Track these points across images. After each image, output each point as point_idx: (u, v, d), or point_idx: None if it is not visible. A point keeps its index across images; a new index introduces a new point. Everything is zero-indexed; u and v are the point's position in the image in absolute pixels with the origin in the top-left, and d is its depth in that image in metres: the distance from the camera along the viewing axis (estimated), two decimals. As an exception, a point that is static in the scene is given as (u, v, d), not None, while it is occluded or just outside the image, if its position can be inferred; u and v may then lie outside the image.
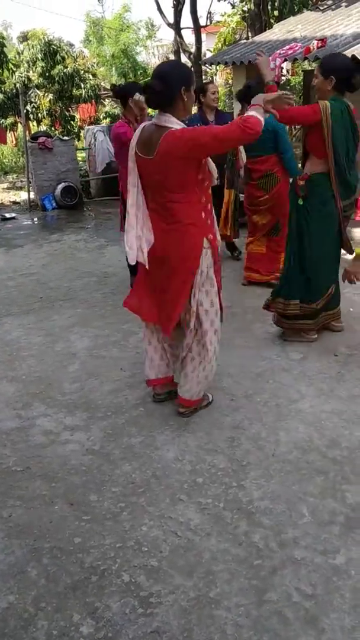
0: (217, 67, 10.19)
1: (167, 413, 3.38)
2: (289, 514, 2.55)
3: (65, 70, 13.00)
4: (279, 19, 11.70)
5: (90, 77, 14.94)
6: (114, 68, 21.25)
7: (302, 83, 9.77)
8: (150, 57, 28.24)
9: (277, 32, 9.31)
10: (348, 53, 6.11)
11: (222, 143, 2.78)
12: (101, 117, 16.10)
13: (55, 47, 13.45)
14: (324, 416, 3.26)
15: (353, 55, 5.46)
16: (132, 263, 3.12)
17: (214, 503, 2.64)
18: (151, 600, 2.17)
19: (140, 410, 3.43)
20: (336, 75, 3.70)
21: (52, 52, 13.20)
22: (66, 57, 13.81)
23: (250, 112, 2.79)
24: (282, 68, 7.24)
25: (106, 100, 16.65)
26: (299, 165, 4.22)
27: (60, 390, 3.71)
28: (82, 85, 13.69)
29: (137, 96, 3.39)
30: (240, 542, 2.42)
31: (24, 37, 23.50)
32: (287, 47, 7.15)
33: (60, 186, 9.84)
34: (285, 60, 7.01)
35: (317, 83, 3.80)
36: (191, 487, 2.75)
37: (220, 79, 18.41)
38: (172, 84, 2.76)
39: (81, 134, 13.27)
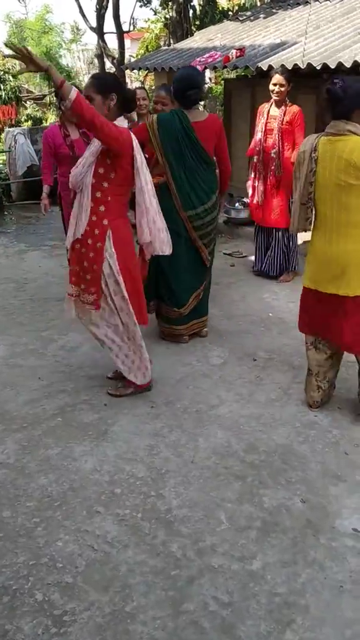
0: (140, 73, 10.20)
1: (86, 423, 3.30)
2: (207, 521, 2.54)
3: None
4: (200, 27, 11.84)
5: (11, 78, 14.57)
6: (36, 70, 20.84)
7: (223, 91, 9.91)
8: (76, 60, 27.92)
9: (197, 40, 9.40)
10: (265, 63, 6.25)
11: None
12: (22, 119, 15.74)
13: (-27, 47, 13.06)
14: (243, 421, 3.28)
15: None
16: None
17: (132, 514, 2.59)
18: (65, 619, 2.09)
19: (58, 420, 3.33)
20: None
21: (-30, 52, 12.81)
22: (-14, 57, 13.43)
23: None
24: (204, 75, 7.32)
25: (27, 102, 16.30)
26: None
27: (-27, 402, 3.55)
28: (2, 87, 13.35)
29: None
30: (158, 552, 2.38)
31: None
32: (207, 55, 7.26)
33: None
34: (206, 67, 7.08)
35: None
36: (109, 498, 2.69)
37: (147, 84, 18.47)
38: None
39: (1, 137, 12.89)
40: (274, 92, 5.13)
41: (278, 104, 5.22)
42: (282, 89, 5.08)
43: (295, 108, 5.18)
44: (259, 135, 5.37)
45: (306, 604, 2.13)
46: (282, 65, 5.53)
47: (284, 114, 5.17)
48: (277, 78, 5.11)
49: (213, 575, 2.26)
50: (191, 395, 3.57)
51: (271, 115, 5.27)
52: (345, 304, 3.03)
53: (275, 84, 5.12)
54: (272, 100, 5.23)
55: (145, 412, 3.39)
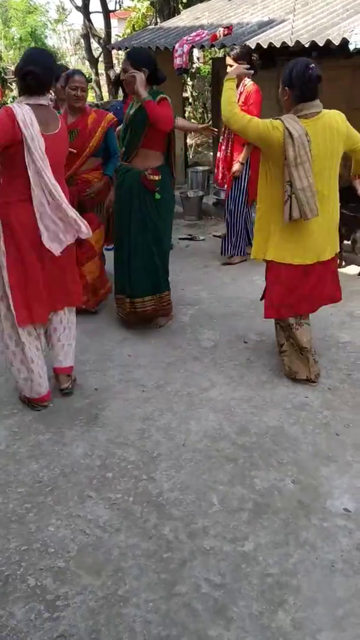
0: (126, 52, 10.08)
1: (77, 408, 3.29)
2: (199, 504, 2.54)
3: (-32, 52, 12.40)
4: (187, 5, 11.63)
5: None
6: (21, 51, 20.51)
7: (211, 71, 9.80)
8: (62, 41, 27.49)
9: (184, 18, 9.25)
10: (253, 41, 6.16)
11: None
12: (8, 101, 15.53)
13: None
14: (234, 403, 3.28)
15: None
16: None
17: (124, 497, 2.59)
18: (58, 604, 2.10)
19: (48, 406, 3.31)
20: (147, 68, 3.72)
21: None
22: (-31, 38, 13.17)
23: None
24: (192, 55, 7.20)
25: (13, 84, 16.04)
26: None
27: None
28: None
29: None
30: (150, 535, 2.38)
31: None
32: (194, 33, 7.14)
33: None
34: (193, 46, 6.97)
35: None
36: (100, 483, 2.69)
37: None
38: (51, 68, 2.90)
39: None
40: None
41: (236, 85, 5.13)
42: (232, 68, 4.90)
43: (251, 87, 5.07)
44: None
45: (298, 584, 2.15)
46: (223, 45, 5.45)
47: (240, 94, 5.06)
48: (227, 59, 5.11)
49: (205, 557, 2.27)
50: (182, 378, 3.56)
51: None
52: (331, 263, 3.31)
53: (226, 65, 5.08)
54: None
55: (136, 396, 3.38)
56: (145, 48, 4.38)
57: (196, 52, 7.44)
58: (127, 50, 4.62)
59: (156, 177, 3.82)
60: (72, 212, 2.99)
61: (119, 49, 9.64)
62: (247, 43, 6.16)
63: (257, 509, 2.51)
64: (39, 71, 2.78)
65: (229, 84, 3.27)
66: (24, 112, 2.77)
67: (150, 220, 3.88)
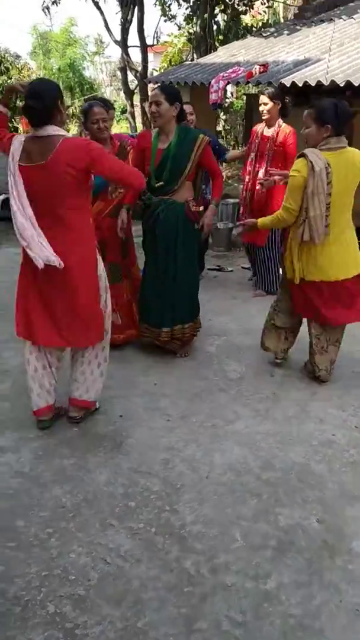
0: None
1: (101, 434, 3.30)
2: (222, 539, 2.51)
3: (8, 82, 12.79)
4: (223, 42, 11.92)
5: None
6: (60, 81, 21.15)
7: (244, 106, 9.98)
8: (98, 72, 28.28)
9: (221, 55, 9.48)
10: (289, 79, 6.27)
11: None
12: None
13: (-1, 58, 13.26)
14: (259, 437, 3.26)
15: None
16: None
17: (146, 528, 2.57)
18: (77, 632, 2.08)
19: (74, 430, 3.33)
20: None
21: (-4, 62, 13.00)
22: (11, 68, 13.63)
23: None
24: (226, 90, 7.36)
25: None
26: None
27: (-10, 409, 3.57)
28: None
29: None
30: (171, 568, 2.36)
31: (-32, 46, 22.99)
32: (231, 70, 7.29)
33: (1, 197, 9.61)
34: (229, 82, 7.12)
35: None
36: (123, 512, 2.67)
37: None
38: (50, 97, 2.88)
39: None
40: (262, 112, 5.05)
41: (269, 124, 5.13)
42: (267, 107, 4.99)
43: (287, 128, 5.07)
44: (251, 156, 5.30)
45: (321, 627, 2.10)
46: (270, 84, 5.49)
47: (277, 135, 5.07)
48: (261, 97, 5.05)
49: (227, 593, 2.24)
50: (207, 409, 3.56)
51: (264, 136, 5.19)
52: (350, 282, 3.58)
53: (260, 103, 5.06)
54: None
55: (161, 426, 3.38)
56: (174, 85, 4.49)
57: (230, 88, 7.59)
58: (158, 84, 4.64)
59: (200, 208, 3.95)
60: (37, 242, 2.95)
61: (156, 82, 9.87)
62: (283, 81, 6.29)
63: (281, 546, 2.47)
64: (34, 105, 2.82)
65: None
66: (17, 142, 2.93)
67: (192, 250, 4.03)
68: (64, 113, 3.01)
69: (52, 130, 2.89)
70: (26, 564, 2.37)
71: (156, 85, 4.94)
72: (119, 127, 19.36)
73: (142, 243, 4.21)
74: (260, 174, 5.13)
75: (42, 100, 2.83)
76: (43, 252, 2.92)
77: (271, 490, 2.82)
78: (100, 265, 3.20)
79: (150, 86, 14.04)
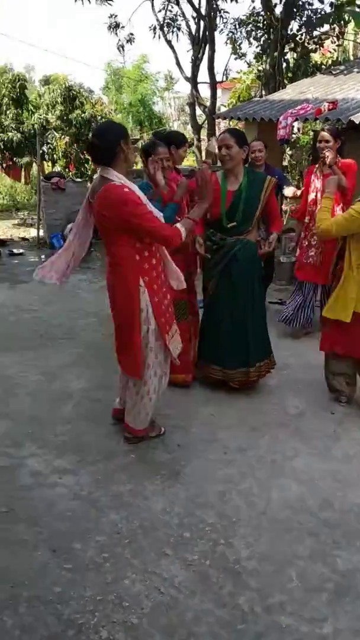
0: (230, 122, 10.41)
1: (159, 462, 3.32)
2: (277, 577, 2.47)
3: (82, 115, 13.28)
4: (292, 80, 12.04)
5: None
6: (130, 116, 21.82)
7: (311, 142, 10.02)
8: (167, 107, 29.00)
9: (290, 92, 9.59)
10: (358, 117, 6.27)
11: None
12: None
13: (74, 92, 13.78)
14: (318, 475, 3.20)
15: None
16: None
17: (200, 560, 2.56)
18: (128, 661, 2.08)
19: (131, 457, 3.37)
20: None
21: (71, 97, 13.50)
22: (85, 102, 14.13)
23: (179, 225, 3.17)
24: (293, 127, 7.42)
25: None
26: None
27: (52, 431, 3.65)
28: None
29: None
30: (225, 603, 2.33)
31: (46, 81, 24.10)
32: (299, 107, 7.36)
33: (69, 225, 9.93)
34: (297, 119, 7.18)
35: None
36: (178, 542, 2.67)
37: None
38: (111, 139, 3.01)
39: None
40: (322, 149, 4.87)
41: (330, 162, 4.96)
42: (329, 144, 4.82)
43: (348, 161, 4.91)
44: (312, 195, 5.15)
45: None
46: (339, 121, 5.38)
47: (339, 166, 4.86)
48: (322, 134, 4.92)
49: (281, 634, 2.19)
50: (266, 444, 3.53)
51: (325, 174, 4.93)
52: None
53: (320, 141, 4.92)
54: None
55: (218, 458, 3.37)
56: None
57: (296, 124, 7.65)
58: (227, 129, 4.65)
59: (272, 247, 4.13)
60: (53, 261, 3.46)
61: (225, 118, 10.06)
62: (352, 118, 6.29)
63: (339, 590, 2.40)
64: (96, 144, 3.03)
65: (327, 202, 3.75)
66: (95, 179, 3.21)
67: (263, 287, 4.21)
68: (129, 152, 3.10)
69: (105, 172, 3.04)
70: (82, 587, 2.40)
71: (223, 129, 4.99)
72: (185, 160, 19.74)
73: (203, 282, 4.26)
74: None
75: (103, 141, 3.02)
76: (47, 270, 3.42)
77: (329, 531, 2.76)
78: (145, 298, 3.17)
79: (217, 121, 14.33)
